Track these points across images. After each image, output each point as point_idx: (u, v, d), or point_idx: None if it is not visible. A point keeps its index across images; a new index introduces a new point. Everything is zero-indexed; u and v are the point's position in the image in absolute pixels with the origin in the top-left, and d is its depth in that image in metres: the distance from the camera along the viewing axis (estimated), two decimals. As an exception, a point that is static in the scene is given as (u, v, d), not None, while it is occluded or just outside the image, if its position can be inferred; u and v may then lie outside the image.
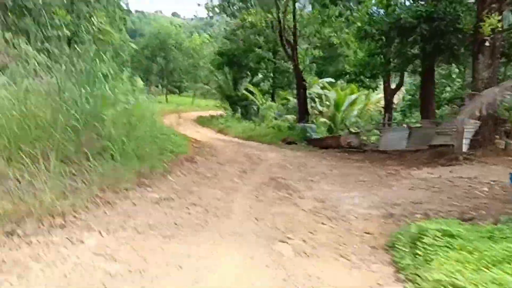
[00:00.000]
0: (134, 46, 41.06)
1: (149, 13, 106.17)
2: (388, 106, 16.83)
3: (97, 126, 5.87)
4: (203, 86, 32.91)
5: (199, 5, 59.94)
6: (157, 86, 45.03)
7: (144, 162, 5.92)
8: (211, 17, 28.25)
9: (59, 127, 4.96)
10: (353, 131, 15.86)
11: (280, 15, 17.39)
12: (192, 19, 77.16)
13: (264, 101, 25.02)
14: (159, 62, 40.03)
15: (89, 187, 4.59)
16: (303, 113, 19.21)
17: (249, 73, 26.95)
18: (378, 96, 30.23)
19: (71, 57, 6.06)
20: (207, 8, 27.96)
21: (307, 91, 28.60)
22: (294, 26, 17.71)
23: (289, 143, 16.59)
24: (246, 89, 25.89)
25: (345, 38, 17.36)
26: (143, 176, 5.64)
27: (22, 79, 5.29)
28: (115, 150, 5.85)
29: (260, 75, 28.02)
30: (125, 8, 30.43)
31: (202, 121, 26.10)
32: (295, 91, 27.73)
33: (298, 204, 5.23)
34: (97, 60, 6.08)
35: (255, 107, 26.65)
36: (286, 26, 17.77)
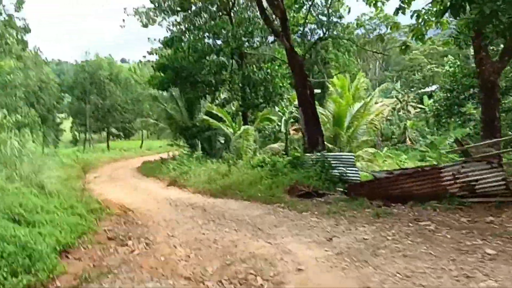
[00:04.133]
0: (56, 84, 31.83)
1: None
2: (492, 91, 8.26)
3: None
4: (148, 121, 24.19)
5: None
6: (95, 131, 35.84)
7: None
8: (146, 26, 20.15)
9: None
10: (474, 155, 6.96)
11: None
12: (140, 61, 69.57)
13: (235, 126, 16.75)
14: (92, 100, 30.99)
15: None
16: (314, 135, 10.84)
17: (208, 91, 18.73)
18: (378, 104, 22.87)
19: None
20: (137, 12, 20.17)
21: (288, 111, 20.70)
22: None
23: (306, 195, 8.33)
24: (208, 114, 17.60)
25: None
26: None
27: None
28: None
29: (224, 94, 19.91)
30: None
31: (147, 170, 17.65)
32: (277, 108, 19.70)
33: None
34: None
35: (222, 139, 18.32)
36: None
